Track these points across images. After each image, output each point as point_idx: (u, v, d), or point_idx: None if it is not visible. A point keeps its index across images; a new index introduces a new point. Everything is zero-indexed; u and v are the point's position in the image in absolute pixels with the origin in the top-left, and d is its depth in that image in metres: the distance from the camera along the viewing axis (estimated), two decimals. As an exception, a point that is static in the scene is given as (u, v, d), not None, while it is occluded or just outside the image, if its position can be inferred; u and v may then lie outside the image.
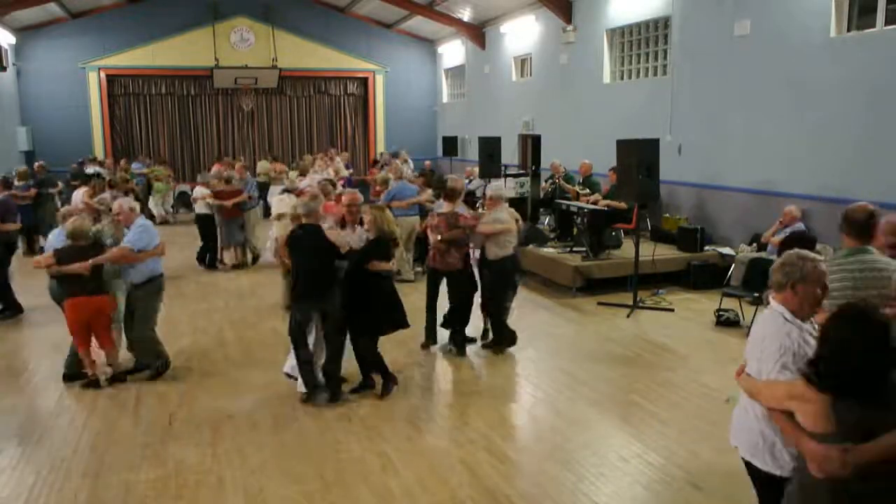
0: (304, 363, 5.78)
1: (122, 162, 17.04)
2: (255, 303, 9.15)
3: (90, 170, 14.65)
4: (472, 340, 7.29)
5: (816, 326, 2.82)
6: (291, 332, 5.78)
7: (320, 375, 5.87)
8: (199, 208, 11.27)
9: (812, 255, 2.88)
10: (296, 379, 5.93)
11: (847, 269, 3.53)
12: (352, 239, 5.92)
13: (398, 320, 5.97)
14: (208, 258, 11.38)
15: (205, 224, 11.25)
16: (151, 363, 6.44)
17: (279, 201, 9.41)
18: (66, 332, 6.34)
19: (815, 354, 2.53)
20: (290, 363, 6.04)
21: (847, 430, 2.32)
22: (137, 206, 6.91)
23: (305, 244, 5.77)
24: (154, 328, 6.51)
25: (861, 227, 3.62)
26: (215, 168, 14.16)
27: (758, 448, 2.92)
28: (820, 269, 2.83)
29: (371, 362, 5.98)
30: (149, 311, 6.41)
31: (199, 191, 11.31)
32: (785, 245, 4.38)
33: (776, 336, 2.78)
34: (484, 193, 12.32)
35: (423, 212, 10.00)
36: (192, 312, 8.73)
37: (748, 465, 3.04)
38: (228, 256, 11.50)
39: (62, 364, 6.47)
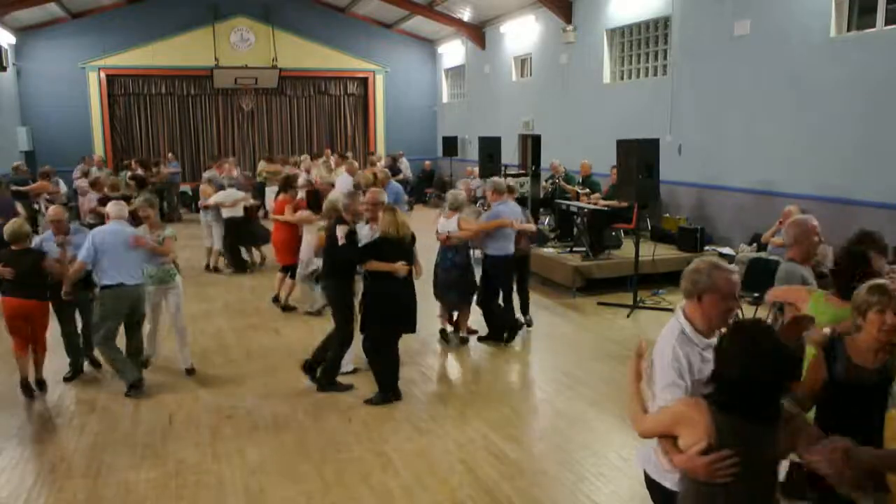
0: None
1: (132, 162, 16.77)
2: (256, 303, 9.15)
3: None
4: (474, 331, 7.55)
5: None
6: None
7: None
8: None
9: (725, 264, 2.68)
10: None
11: None
12: (362, 234, 6.09)
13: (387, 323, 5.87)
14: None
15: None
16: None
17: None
18: (59, 333, 6.41)
19: (711, 372, 2.39)
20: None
21: (724, 441, 2.24)
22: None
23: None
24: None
25: None
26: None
27: (650, 458, 2.70)
28: (732, 280, 2.60)
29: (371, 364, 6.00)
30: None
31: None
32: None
33: (665, 351, 2.63)
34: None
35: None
36: (192, 313, 8.71)
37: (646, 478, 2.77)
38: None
39: (61, 364, 6.50)
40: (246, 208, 10.98)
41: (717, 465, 2.21)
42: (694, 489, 2.33)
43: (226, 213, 10.75)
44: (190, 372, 6.52)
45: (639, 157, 8.31)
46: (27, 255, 5.94)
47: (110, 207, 6.34)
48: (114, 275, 5.92)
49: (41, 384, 6.18)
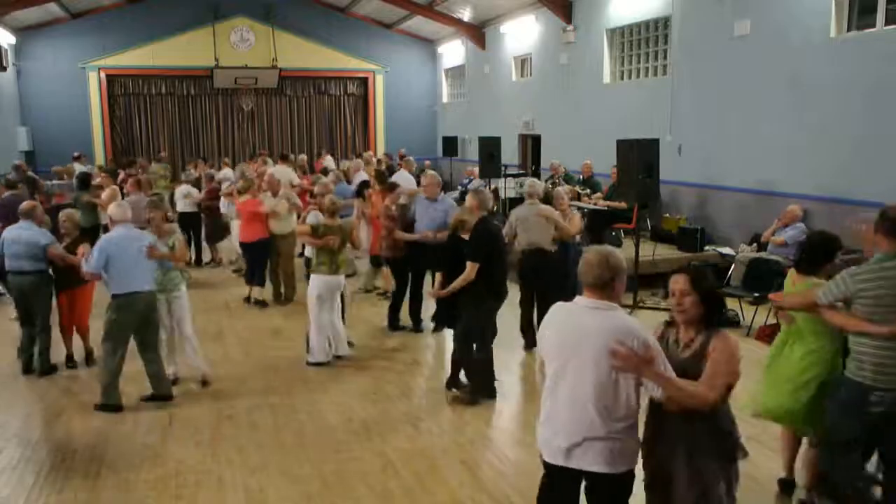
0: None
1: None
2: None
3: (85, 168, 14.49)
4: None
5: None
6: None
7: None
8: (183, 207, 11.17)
9: (610, 249, 3.04)
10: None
11: (887, 275, 3.41)
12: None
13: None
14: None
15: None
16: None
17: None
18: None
19: None
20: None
21: None
22: None
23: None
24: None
25: None
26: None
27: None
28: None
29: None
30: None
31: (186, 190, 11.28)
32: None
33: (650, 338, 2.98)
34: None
35: None
36: (192, 312, 8.68)
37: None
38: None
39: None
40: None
41: None
42: None
43: (179, 208, 11.12)
44: (205, 383, 6.18)
45: (639, 158, 8.30)
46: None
47: (112, 209, 5.85)
48: (124, 283, 5.48)
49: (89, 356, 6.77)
